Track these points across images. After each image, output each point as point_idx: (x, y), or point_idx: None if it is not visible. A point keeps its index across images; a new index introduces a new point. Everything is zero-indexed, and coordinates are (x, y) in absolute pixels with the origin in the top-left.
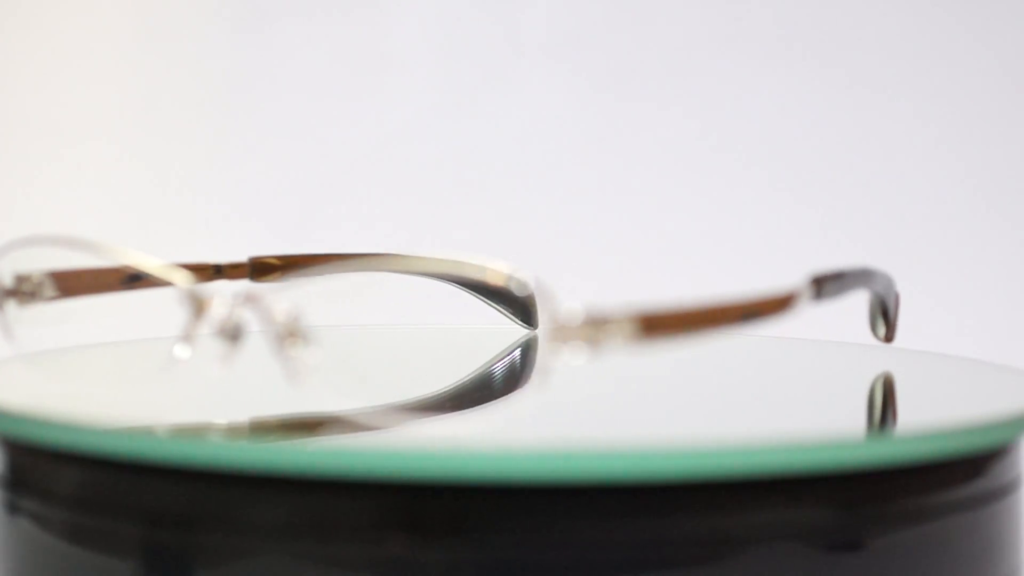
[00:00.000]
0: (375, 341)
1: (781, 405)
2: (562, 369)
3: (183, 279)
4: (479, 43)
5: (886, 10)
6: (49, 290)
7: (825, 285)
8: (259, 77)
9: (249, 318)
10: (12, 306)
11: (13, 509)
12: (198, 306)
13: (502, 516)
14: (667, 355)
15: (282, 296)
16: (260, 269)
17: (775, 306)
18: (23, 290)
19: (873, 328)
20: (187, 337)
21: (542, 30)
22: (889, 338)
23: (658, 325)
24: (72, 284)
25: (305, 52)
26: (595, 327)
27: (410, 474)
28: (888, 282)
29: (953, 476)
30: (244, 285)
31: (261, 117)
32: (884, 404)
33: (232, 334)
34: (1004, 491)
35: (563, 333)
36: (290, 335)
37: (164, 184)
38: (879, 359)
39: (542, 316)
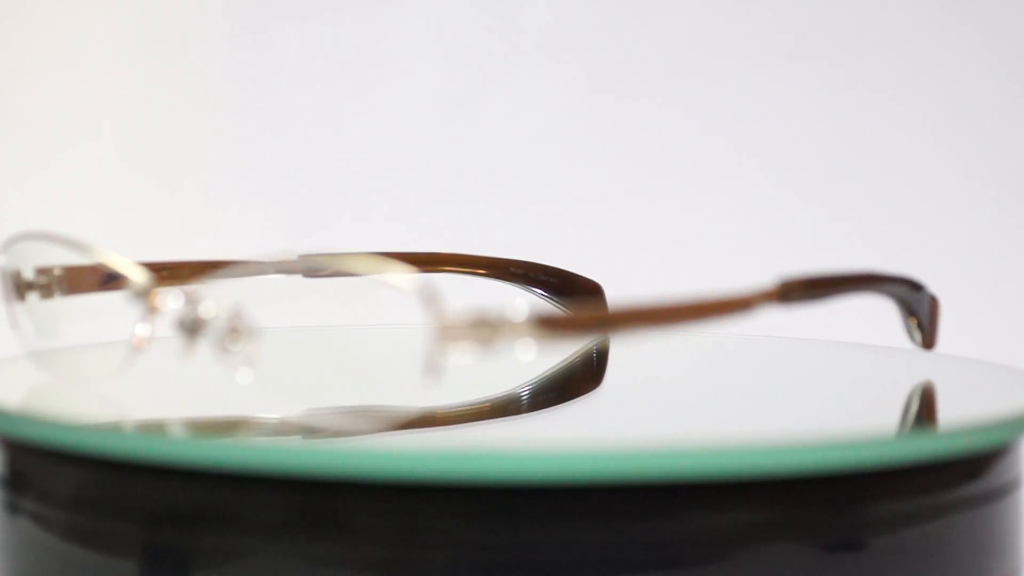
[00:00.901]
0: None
1: (781, 406)
2: (453, 368)
3: (138, 278)
4: (480, 41)
5: (889, 8)
6: (63, 285)
7: (794, 288)
8: (259, 76)
9: (197, 317)
10: (34, 299)
11: (13, 509)
12: (148, 306)
13: (502, 516)
14: (667, 356)
15: (223, 295)
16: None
17: (728, 308)
18: (39, 283)
19: (908, 334)
20: (139, 336)
21: (543, 27)
22: (926, 344)
23: (554, 326)
24: (75, 281)
25: (305, 50)
26: (485, 327)
27: (409, 474)
28: (910, 287)
29: (953, 476)
30: (191, 285)
31: (261, 115)
32: (884, 404)
33: (189, 330)
34: (1004, 491)
35: (450, 333)
36: (230, 333)
37: (162, 182)
38: (880, 360)
39: (428, 316)
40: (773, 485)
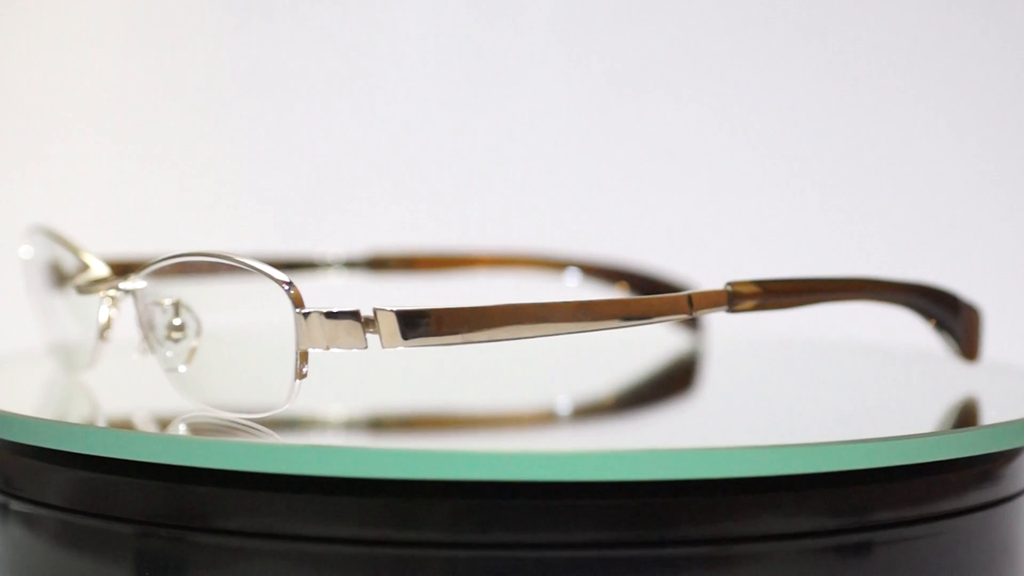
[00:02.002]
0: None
1: (788, 409)
2: (324, 359)
3: (100, 271)
4: (480, 38)
5: (894, 7)
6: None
7: (743, 293)
8: (257, 69)
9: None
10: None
11: (4, 512)
12: (104, 298)
13: (503, 516)
14: (666, 356)
15: (161, 294)
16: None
17: (661, 310)
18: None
19: (944, 343)
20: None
21: (545, 23)
22: (964, 355)
23: (424, 324)
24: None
25: (305, 41)
26: (349, 324)
27: (409, 474)
28: (928, 296)
29: (963, 480)
30: (134, 282)
31: (260, 109)
32: (893, 407)
33: (148, 327)
34: (1014, 494)
35: (317, 328)
36: (169, 332)
37: (161, 178)
38: (889, 363)
39: (296, 314)
40: (781, 488)
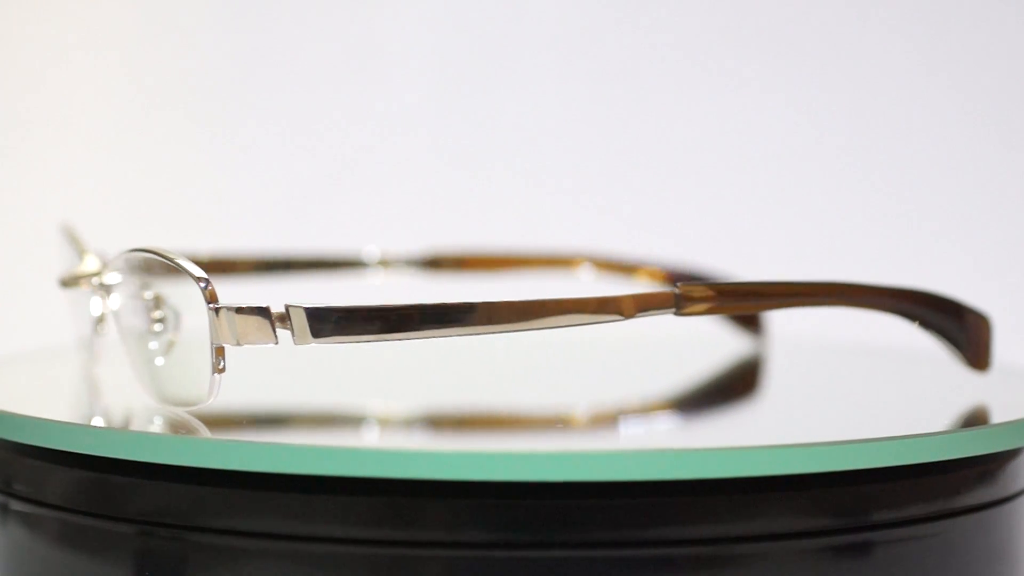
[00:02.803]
0: None
1: (788, 408)
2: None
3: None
4: (481, 35)
5: (895, 7)
6: None
7: (693, 296)
8: (257, 67)
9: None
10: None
11: (4, 512)
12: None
13: (503, 516)
14: (669, 355)
15: (142, 288)
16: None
17: (593, 310)
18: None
19: (951, 352)
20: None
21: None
22: (973, 365)
23: (334, 321)
24: None
25: (305, 37)
26: (259, 320)
27: (408, 474)
28: (913, 301)
29: (963, 479)
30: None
31: (260, 107)
32: (893, 407)
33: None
34: (1014, 494)
35: (228, 324)
36: (151, 325)
37: (161, 177)
38: (888, 363)
39: (209, 307)
40: (780, 487)
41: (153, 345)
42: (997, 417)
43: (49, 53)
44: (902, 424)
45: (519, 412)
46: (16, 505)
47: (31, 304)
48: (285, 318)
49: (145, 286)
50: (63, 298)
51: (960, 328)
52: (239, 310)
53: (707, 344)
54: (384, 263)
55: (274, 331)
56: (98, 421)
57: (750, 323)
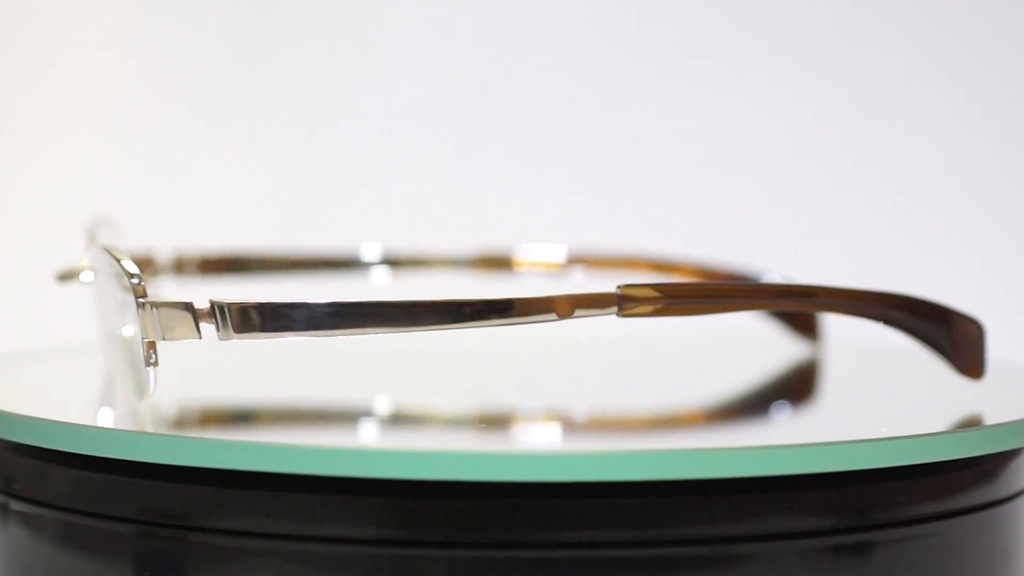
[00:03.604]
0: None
1: (789, 408)
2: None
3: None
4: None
5: (896, 8)
6: None
7: (636, 296)
8: (257, 66)
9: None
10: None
11: (4, 512)
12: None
13: (503, 516)
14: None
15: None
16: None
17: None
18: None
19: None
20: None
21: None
22: (964, 372)
23: (254, 317)
24: None
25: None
26: (182, 315)
27: (408, 474)
28: (902, 306)
29: (963, 479)
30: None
31: (260, 107)
32: (893, 407)
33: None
34: (1014, 494)
35: (154, 318)
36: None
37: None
38: (888, 363)
39: (138, 301)
40: (780, 487)
41: (116, 340)
42: (997, 417)
43: (49, 51)
44: (902, 424)
45: (520, 412)
46: (16, 505)
47: (31, 304)
48: (209, 314)
49: (109, 283)
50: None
51: (947, 334)
52: (162, 305)
53: (760, 346)
54: (432, 262)
55: (197, 326)
56: (98, 421)
57: (806, 328)
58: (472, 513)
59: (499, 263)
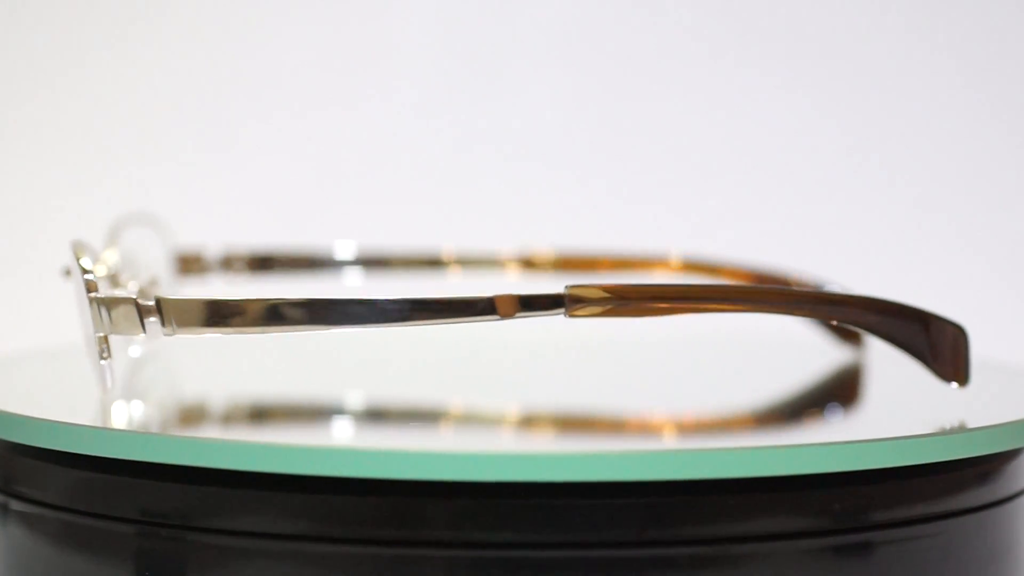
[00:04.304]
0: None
1: (787, 409)
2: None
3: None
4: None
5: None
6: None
7: (583, 297)
8: (257, 67)
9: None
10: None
11: (4, 512)
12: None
13: (503, 516)
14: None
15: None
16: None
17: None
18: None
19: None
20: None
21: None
22: (947, 378)
23: (197, 313)
24: None
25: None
26: (128, 310)
27: (408, 474)
28: (876, 310)
29: (963, 479)
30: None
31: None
32: (892, 407)
33: None
34: (1014, 494)
35: (102, 314)
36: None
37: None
38: (888, 363)
39: (89, 296)
40: (780, 487)
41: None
42: (996, 417)
43: (49, 52)
44: (902, 424)
45: (513, 412)
46: (16, 505)
47: (31, 304)
48: (153, 309)
49: (77, 280)
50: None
51: (926, 339)
52: (108, 300)
53: (777, 348)
54: (479, 262)
55: (142, 322)
56: (98, 421)
57: (850, 336)
58: (472, 513)
59: (528, 263)
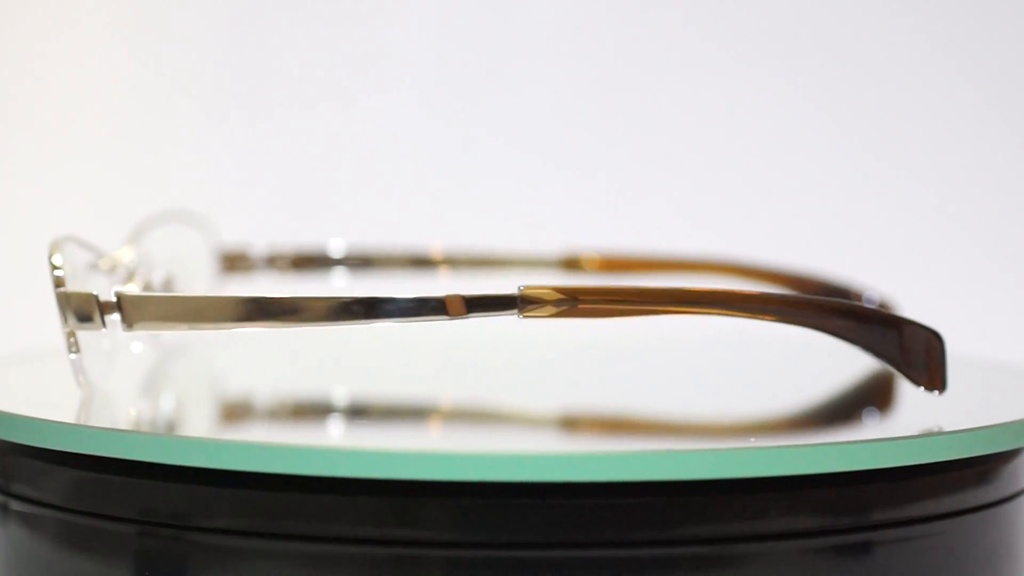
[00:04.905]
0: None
1: (789, 407)
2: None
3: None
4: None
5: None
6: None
7: (536, 298)
8: (257, 68)
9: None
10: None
11: (4, 512)
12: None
13: (503, 516)
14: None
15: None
16: None
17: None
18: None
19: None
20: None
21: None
22: (921, 384)
23: (150, 309)
24: None
25: (304, 44)
26: (88, 306)
27: (408, 474)
28: (841, 314)
29: (963, 480)
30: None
31: (260, 108)
32: (892, 408)
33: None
34: (1014, 494)
35: (66, 308)
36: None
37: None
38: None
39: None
40: (780, 487)
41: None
42: (996, 417)
43: (49, 51)
44: (902, 424)
45: (513, 412)
46: (16, 505)
47: (31, 304)
48: (113, 306)
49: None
50: None
51: (898, 345)
52: (71, 296)
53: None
54: (525, 262)
55: (102, 317)
56: (98, 421)
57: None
58: (472, 513)
59: (571, 264)
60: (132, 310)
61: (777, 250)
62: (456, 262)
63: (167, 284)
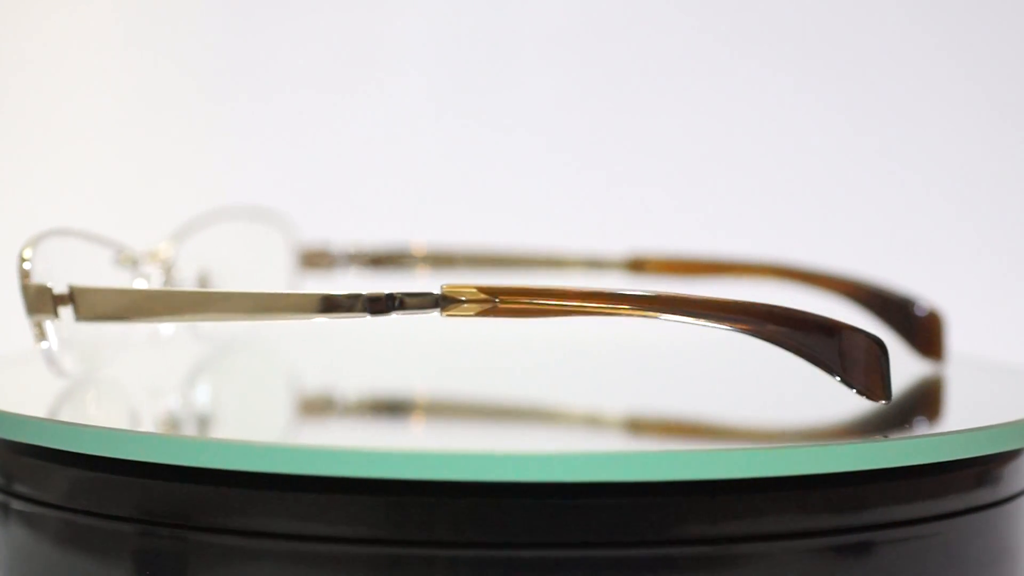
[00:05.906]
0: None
1: (789, 407)
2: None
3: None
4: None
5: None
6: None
7: (459, 297)
8: (256, 69)
9: None
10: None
11: (4, 512)
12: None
13: (503, 516)
14: (669, 355)
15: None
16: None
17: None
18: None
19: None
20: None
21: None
22: (866, 394)
23: (96, 302)
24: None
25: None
26: (44, 298)
27: (408, 474)
28: (774, 319)
29: (963, 479)
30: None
31: (260, 110)
32: (892, 408)
33: None
34: (1014, 494)
35: (26, 298)
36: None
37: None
38: (892, 363)
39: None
40: (780, 487)
41: None
42: (997, 417)
43: (49, 52)
44: (899, 423)
45: (513, 412)
46: (17, 505)
47: None
48: (67, 298)
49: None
50: None
51: (836, 351)
52: (28, 287)
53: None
54: (590, 263)
55: (55, 308)
56: (98, 421)
57: (931, 350)
58: (472, 513)
59: (637, 266)
60: (82, 302)
61: (782, 252)
62: (526, 262)
63: (203, 281)
